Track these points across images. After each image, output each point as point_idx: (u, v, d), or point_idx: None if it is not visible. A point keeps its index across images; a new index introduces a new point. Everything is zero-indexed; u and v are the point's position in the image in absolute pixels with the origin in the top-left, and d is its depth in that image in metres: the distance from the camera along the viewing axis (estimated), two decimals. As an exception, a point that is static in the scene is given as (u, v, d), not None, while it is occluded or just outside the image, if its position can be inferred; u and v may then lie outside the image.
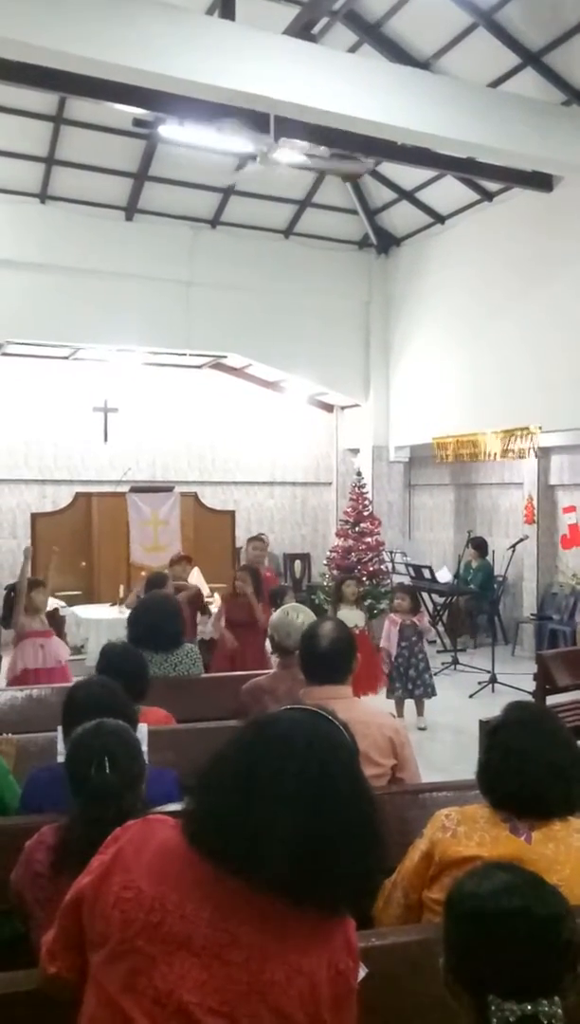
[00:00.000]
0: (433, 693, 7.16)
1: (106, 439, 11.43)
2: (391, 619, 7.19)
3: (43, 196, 9.81)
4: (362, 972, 1.60)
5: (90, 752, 2.11)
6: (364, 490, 10.64)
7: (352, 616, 7.01)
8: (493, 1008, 1.32)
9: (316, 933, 1.38)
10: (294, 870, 1.34)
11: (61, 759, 2.83)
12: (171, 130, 7.50)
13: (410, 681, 7.05)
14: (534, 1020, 1.30)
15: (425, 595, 9.85)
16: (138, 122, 7.98)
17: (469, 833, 2.05)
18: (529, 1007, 1.31)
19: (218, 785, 1.42)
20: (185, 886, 1.37)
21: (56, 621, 7.20)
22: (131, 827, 1.49)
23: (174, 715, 3.70)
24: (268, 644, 6.76)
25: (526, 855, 1.95)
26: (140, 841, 1.45)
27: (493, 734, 2.17)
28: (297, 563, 12.40)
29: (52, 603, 7.79)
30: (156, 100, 7.01)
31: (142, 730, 2.99)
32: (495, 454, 9.47)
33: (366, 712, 2.98)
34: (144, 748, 2.92)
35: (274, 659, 3.97)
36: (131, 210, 10.24)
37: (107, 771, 2.07)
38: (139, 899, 1.37)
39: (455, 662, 9.19)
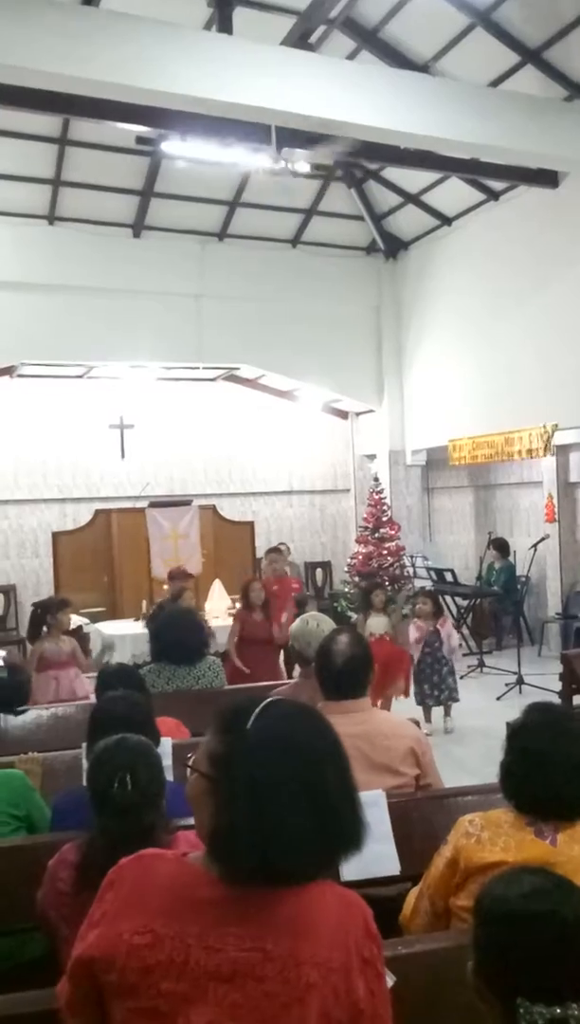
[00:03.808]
0: (457, 698, 7.12)
1: (123, 455, 11.48)
2: (417, 624, 7.13)
3: (51, 217, 9.91)
4: (390, 980, 1.59)
5: (111, 768, 2.11)
6: (382, 495, 10.62)
7: (380, 623, 7.01)
8: (522, 1011, 1.31)
9: (339, 925, 1.37)
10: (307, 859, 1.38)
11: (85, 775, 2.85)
12: (174, 146, 7.57)
13: (435, 687, 7.01)
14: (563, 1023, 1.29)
15: (448, 598, 9.81)
16: (141, 139, 8.05)
17: (494, 838, 2.03)
18: (558, 1011, 1.30)
19: (227, 798, 1.39)
20: (203, 916, 1.35)
21: (80, 638, 7.21)
22: (124, 868, 1.44)
23: (198, 728, 3.69)
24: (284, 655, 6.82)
25: (552, 858, 1.93)
26: (140, 882, 1.41)
27: (513, 737, 2.15)
28: (318, 571, 12.38)
29: (75, 620, 7.84)
30: (158, 117, 7.07)
31: (166, 744, 3.00)
32: (512, 453, 9.42)
33: (386, 723, 2.95)
34: (168, 762, 2.94)
35: (295, 669, 3.96)
36: (138, 227, 10.31)
37: (128, 787, 2.07)
38: (157, 943, 1.34)
39: (481, 664, 9.13)
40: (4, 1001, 1.87)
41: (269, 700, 1.45)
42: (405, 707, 6.90)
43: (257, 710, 1.42)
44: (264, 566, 8.17)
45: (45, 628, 5.84)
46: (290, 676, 6.40)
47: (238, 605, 7.10)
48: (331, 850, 1.44)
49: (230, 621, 7.57)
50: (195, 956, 1.32)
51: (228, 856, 1.36)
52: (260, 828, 1.34)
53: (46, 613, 5.88)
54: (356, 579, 10.02)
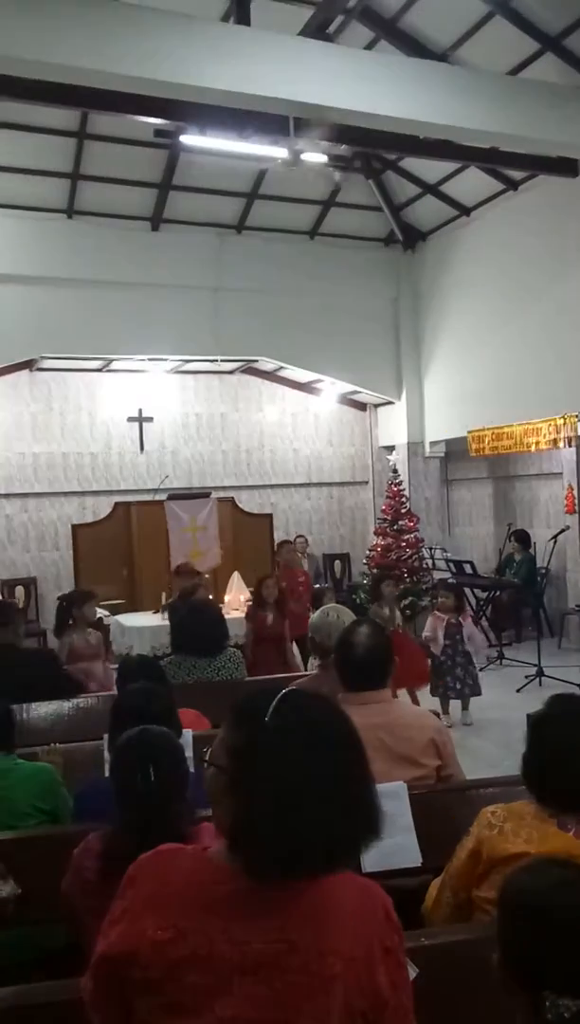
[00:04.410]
0: (479, 691, 7.10)
1: (142, 448, 11.53)
2: (436, 616, 7.12)
3: (69, 211, 9.93)
4: (413, 972, 1.59)
5: (133, 760, 2.12)
6: (401, 487, 10.59)
7: (387, 615, 6.98)
8: (548, 1004, 1.31)
9: (361, 915, 1.38)
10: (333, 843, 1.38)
11: (108, 766, 2.87)
12: (193, 138, 7.55)
13: (457, 680, 6.99)
14: None
15: (467, 590, 9.78)
16: (159, 132, 8.04)
17: (516, 830, 2.03)
18: None
19: (248, 791, 1.39)
20: (226, 910, 1.35)
21: (100, 630, 7.24)
22: (144, 864, 1.45)
23: (218, 719, 3.71)
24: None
25: (576, 850, 1.92)
26: (161, 877, 1.42)
27: (536, 728, 2.14)
28: (337, 563, 12.38)
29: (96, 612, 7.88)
30: (176, 109, 7.06)
31: (186, 736, 3.01)
32: (532, 444, 9.36)
33: (407, 714, 2.96)
34: (189, 753, 2.96)
35: (313, 662, 3.96)
36: (157, 220, 10.32)
37: (151, 779, 2.08)
38: (181, 937, 1.35)
39: (501, 657, 9.10)
40: (29, 990, 1.89)
41: (285, 691, 1.45)
42: (421, 698, 6.90)
43: (274, 702, 1.41)
44: (280, 558, 8.27)
45: (71, 621, 5.86)
46: (306, 669, 6.40)
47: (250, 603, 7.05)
48: (352, 840, 1.44)
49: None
50: (219, 949, 1.33)
51: (251, 849, 1.36)
52: (282, 821, 1.34)
53: (71, 606, 5.90)
54: (374, 571, 10.01)
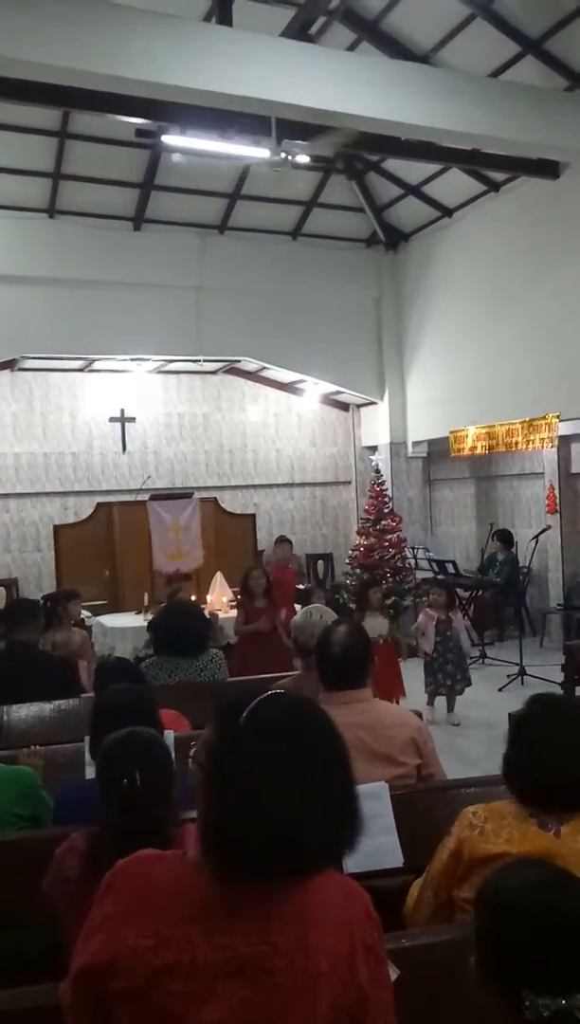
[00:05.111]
0: (470, 682, 7.17)
1: (124, 449, 11.49)
2: (427, 614, 7.16)
3: (51, 211, 9.87)
4: (394, 973, 1.59)
5: (121, 762, 2.11)
6: (383, 487, 10.60)
7: (377, 625, 6.96)
8: (527, 1003, 1.31)
9: (342, 913, 1.39)
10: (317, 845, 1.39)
11: (89, 768, 2.85)
12: (175, 138, 7.53)
13: (449, 676, 7.03)
14: (568, 1014, 1.29)
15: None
16: (141, 132, 8.00)
17: (497, 830, 2.03)
18: (563, 1001, 1.29)
19: (220, 790, 1.39)
20: (207, 914, 1.35)
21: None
22: (121, 872, 1.44)
23: (198, 720, 3.70)
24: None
25: (556, 849, 1.93)
26: (140, 884, 1.41)
27: (517, 728, 2.15)
28: (320, 563, 12.39)
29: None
30: (158, 109, 7.02)
31: (168, 737, 3.00)
32: (513, 444, 9.41)
33: (387, 713, 2.96)
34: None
35: (297, 662, 3.96)
36: (139, 220, 10.28)
37: (137, 782, 2.07)
38: (163, 944, 1.34)
39: (483, 656, 9.14)
40: (10, 996, 1.87)
41: (266, 694, 1.45)
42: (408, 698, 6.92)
43: (253, 704, 1.42)
44: (274, 553, 8.34)
45: (56, 620, 5.83)
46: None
47: (239, 596, 7.15)
48: (332, 842, 1.45)
49: (232, 614, 7.61)
50: (202, 954, 1.32)
51: (216, 848, 1.37)
52: (248, 821, 1.34)
53: (56, 605, 5.87)
54: (357, 571, 10.01)
